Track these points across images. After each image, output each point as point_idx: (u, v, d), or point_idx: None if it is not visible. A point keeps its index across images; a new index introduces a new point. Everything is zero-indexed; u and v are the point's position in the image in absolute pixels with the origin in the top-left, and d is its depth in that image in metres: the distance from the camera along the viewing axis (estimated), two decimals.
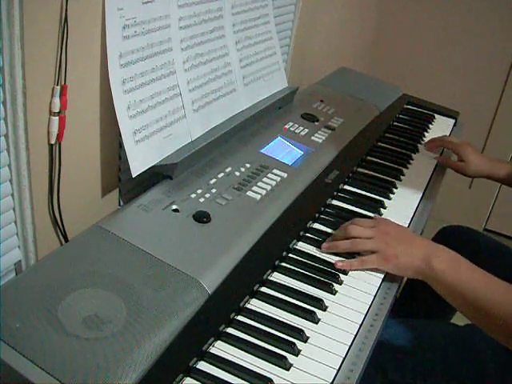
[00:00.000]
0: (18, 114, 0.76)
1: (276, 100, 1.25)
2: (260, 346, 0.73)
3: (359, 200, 1.11)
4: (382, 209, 1.09)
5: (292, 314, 0.80)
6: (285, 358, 0.71)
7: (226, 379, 0.68)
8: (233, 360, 0.70)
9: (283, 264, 0.89)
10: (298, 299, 0.82)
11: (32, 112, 0.77)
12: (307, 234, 0.98)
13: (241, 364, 0.70)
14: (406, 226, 1.06)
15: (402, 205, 1.13)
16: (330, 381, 0.70)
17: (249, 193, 0.96)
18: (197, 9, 1.02)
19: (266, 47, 1.28)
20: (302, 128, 1.24)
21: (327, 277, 0.88)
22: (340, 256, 0.93)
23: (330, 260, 0.92)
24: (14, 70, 0.73)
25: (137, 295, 0.71)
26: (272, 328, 0.76)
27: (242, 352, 0.72)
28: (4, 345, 0.61)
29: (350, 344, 0.76)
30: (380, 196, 1.13)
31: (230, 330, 0.75)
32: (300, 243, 0.95)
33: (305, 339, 0.76)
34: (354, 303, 0.84)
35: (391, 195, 1.15)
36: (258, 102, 1.23)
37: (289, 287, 0.84)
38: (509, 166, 1.31)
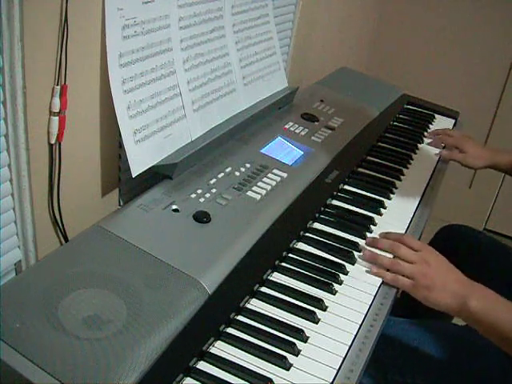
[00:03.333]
0: (18, 114, 0.76)
1: (276, 100, 1.25)
2: (260, 346, 0.73)
3: (359, 200, 1.11)
4: (381, 209, 1.09)
5: (292, 313, 0.80)
6: (285, 357, 0.71)
7: (226, 379, 0.68)
8: (233, 360, 0.70)
9: (283, 264, 0.89)
10: (298, 299, 0.82)
11: (32, 112, 0.77)
12: (307, 234, 0.98)
13: (241, 364, 0.70)
14: (406, 226, 1.06)
15: (402, 205, 1.13)
16: (330, 381, 0.70)
17: (249, 193, 0.96)
18: (197, 9, 1.02)
19: (266, 47, 1.28)
20: (302, 128, 1.24)
21: (327, 277, 0.88)
22: (338, 254, 0.93)
23: (330, 259, 0.92)
24: (14, 70, 0.73)
25: (137, 295, 0.71)
26: (272, 328, 0.76)
27: (242, 352, 0.72)
28: (4, 345, 0.61)
29: (350, 344, 0.76)
30: (380, 196, 1.13)
31: (230, 330, 0.75)
32: (300, 243, 0.95)
33: (305, 339, 0.76)
34: (354, 303, 0.84)
35: (391, 195, 1.15)
36: (258, 102, 1.23)
37: (289, 287, 0.84)
38: (510, 155, 1.33)
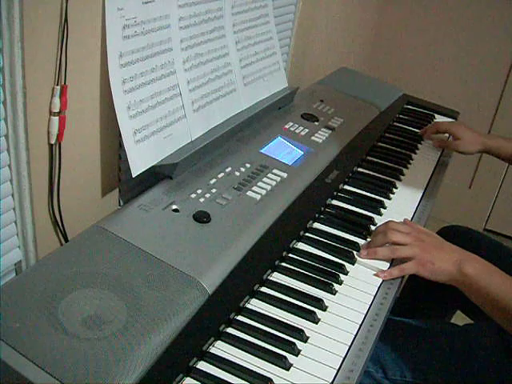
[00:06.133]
0: (18, 114, 0.76)
1: (276, 100, 1.25)
2: (260, 346, 0.73)
3: (359, 200, 1.11)
4: (382, 209, 1.09)
5: (292, 313, 0.80)
6: (285, 357, 0.71)
7: (226, 379, 0.68)
8: (233, 360, 0.70)
9: (283, 264, 0.89)
10: (298, 299, 0.82)
11: (32, 112, 0.77)
12: (307, 234, 0.98)
13: (241, 364, 0.70)
14: None
15: (402, 205, 1.13)
16: (330, 381, 0.70)
17: (249, 193, 0.96)
18: (197, 9, 1.02)
19: (266, 47, 1.28)
20: (302, 128, 1.24)
21: (327, 277, 0.88)
22: (338, 254, 0.93)
23: (330, 259, 0.92)
24: (14, 70, 0.73)
25: (137, 295, 0.71)
26: (272, 328, 0.76)
27: (242, 352, 0.72)
28: (4, 345, 0.61)
29: (350, 344, 0.76)
30: (380, 196, 1.13)
31: (230, 330, 0.75)
32: (300, 243, 0.95)
33: (305, 339, 0.76)
34: (354, 303, 0.84)
35: (391, 195, 1.15)
36: (258, 102, 1.23)
37: (289, 287, 0.84)
38: (500, 138, 1.34)
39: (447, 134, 1.43)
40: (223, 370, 0.69)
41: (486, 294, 0.86)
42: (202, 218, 0.86)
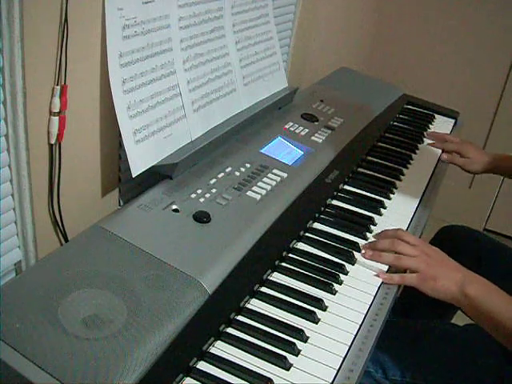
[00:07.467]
0: (18, 114, 0.76)
1: (276, 100, 1.25)
2: (260, 346, 0.73)
3: (359, 200, 1.11)
4: (382, 209, 1.09)
5: (292, 313, 0.80)
6: (285, 357, 0.71)
7: (226, 379, 0.68)
8: (233, 360, 0.70)
9: (283, 264, 0.89)
10: (298, 299, 0.82)
11: (32, 112, 0.77)
12: (307, 234, 0.98)
13: (241, 364, 0.70)
14: (406, 226, 1.06)
15: (402, 205, 1.13)
16: (330, 381, 0.70)
17: (249, 193, 0.96)
18: (197, 9, 1.02)
19: (266, 47, 1.28)
20: (302, 128, 1.24)
21: (327, 277, 0.88)
22: (338, 254, 0.93)
23: (330, 259, 0.92)
24: (14, 70, 0.73)
25: (137, 295, 0.71)
26: (272, 328, 0.76)
27: (242, 352, 0.72)
28: (4, 345, 0.61)
29: (350, 344, 0.76)
30: (380, 196, 1.13)
31: (230, 330, 0.75)
32: (300, 243, 0.95)
33: (305, 339, 0.76)
34: (354, 303, 0.84)
35: (391, 195, 1.15)
36: (258, 102, 1.23)
37: (289, 287, 0.84)
38: (509, 158, 1.35)
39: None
40: (223, 369, 0.69)
41: (485, 314, 0.85)
42: (202, 217, 0.86)
